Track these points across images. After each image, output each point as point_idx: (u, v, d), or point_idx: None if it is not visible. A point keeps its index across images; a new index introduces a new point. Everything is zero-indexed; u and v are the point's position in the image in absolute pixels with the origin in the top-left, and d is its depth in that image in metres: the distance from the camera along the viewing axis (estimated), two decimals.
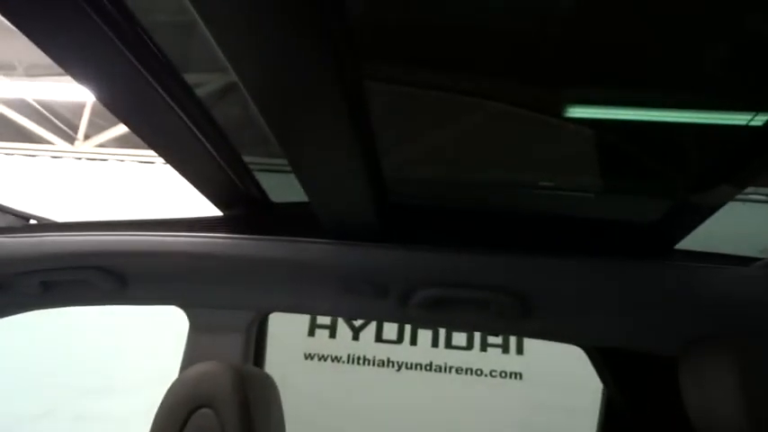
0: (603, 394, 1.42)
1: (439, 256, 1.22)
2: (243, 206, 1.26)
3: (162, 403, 1.05)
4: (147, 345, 3.53)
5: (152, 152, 3.83)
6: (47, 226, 1.33)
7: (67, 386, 3.70)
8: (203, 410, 1.07)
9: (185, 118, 0.92)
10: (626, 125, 1.12)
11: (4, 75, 4.69)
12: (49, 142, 4.80)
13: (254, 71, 0.73)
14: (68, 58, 0.79)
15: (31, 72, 4.82)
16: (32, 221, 1.41)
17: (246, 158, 1.18)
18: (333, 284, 1.31)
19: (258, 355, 1.48)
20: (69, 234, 1.30)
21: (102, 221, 1.31)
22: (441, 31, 0.94)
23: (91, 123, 4.93)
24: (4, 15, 0.69)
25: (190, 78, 0.94)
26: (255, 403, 1.04)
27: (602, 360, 1.33)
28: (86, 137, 4.90)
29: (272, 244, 1.26)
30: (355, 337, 4.06)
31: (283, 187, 1.28)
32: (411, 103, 1.05)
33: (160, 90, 0.84)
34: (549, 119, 1.15)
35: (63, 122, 5.00)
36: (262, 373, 1.18)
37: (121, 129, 4.91)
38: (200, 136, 0.99)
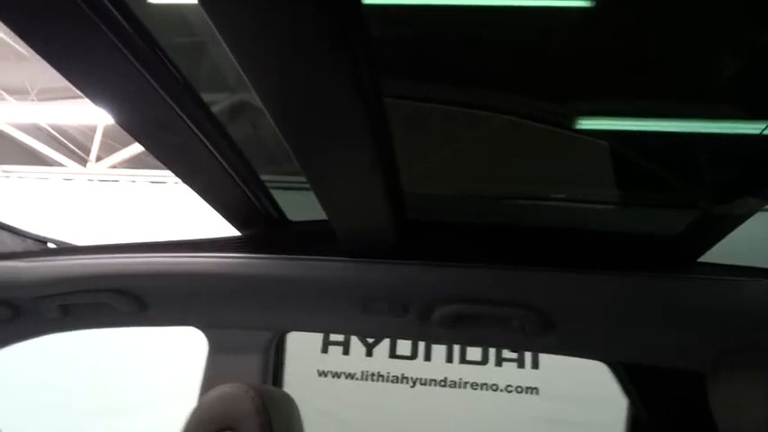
0: (628, 410, 1.40)
1: (458, 272, 1.21)
2: (260, 225, 1.26)
3: (186, 425, 1.04)
4: (152, 364, 3.52)
5: (164, 172, 3.83)
6: (65, 249, 1.34)
7: (73, 406, 3.69)
8: None
9: (202, 137, 0.93)
10: (646, 137, 1.12)
11: (16, 99, 4.75)
12: (61, 164, 4.85)
13: (274, 89, 0.73)
14: (85, 79, 0.80)
15: (43, 96, 4.88)
16: (50, 245, 1.41)
17: (263, 177, 1.18)
18: (351, 303, 1.30)
19: (276, 375, 1.47)
20: (88, 257, 1.30)
21: (121, 244, 1.31)
22: (459, 48, 0.95)
23: (103, 145, 4.98)
24: (22, 37, 0.70)
25: (206, 97, 0.94)
26: (278, 424, 1.03)
27: (626, 376, 1.31)
28: (98, 158, 4.95)
29: (290, 263, 1.25)
30: (369, 354, 4.03)
31: (300, 205, 1.28)
32: (428, 118, 1.05)
33: (176, 109, 0.84)
34: (568, 133, 1.15)
35: (75, 145, 5.05)
36: (283, 393, 1.17)
37: (133, 150, 4.95)
38: (217, 155, 0.99)
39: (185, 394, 3.54)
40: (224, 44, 0.64)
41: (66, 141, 5.09)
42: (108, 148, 4.98)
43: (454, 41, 0.92)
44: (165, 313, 1.39)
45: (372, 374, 3.96)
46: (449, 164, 1.18)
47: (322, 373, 3.94)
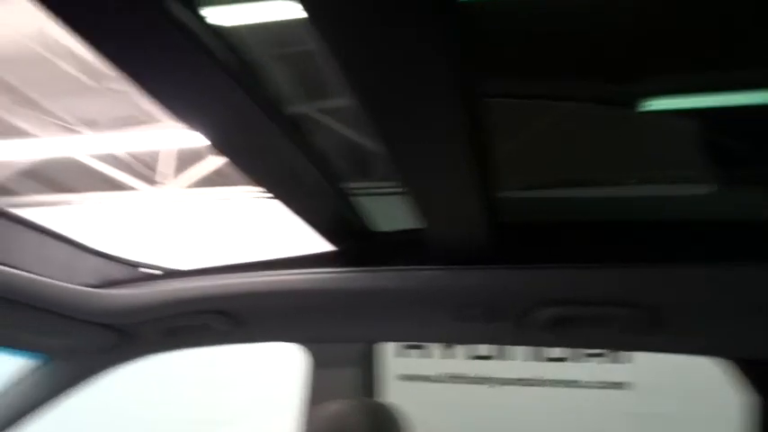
0: (745, 406, 1.32)
1: (555, 273, 1.18)
2: (352, 238, 1.26)
3: None
4: (247, 377, 3.61)
5: (233, 189, 3.93)
6: (165, 275, 1.38)
7: (174, 419, 3.83)
8: None
9: (294, 152, 0.92)
10: (738, 112, 1.05)
11: (88, 129, 5.00)
12: (133, 188, 5.07)
13: (372, 91, 0.72)
14: (180, 104, 0.81)
15: (113, 125, 5.11)
16: (141, 269, 1.46)
17: (352, 187, 1.18)
18: (447, 311, 1.28)
19: (373, 386, 1.47)
20: (187, 280, 1.34)
21: (215, 266, 1.35)
22: (554, 40, 0.92)
23: (171, 166, 5.17)
24: (117, 66, 0.71)
25: (292, 109, 0.95)
26: None
27: (745, 371, 1.24)
28: (168, 179, 5.14)
29: (383, 274, 1.25)
30: (447, 355, 4.00)
31: (389, 215, 1.27)
32: (521, 116, 1.02)
33: (269, 127, 0.85)
34: (662, 121, 1.10)
35: (146, 168, 5.26)
36: (392, 406, 1.17)
37: (201, 170, 5.12)
38: (309, 170, 0.99)
39: (278, 405, 3.62)
40: (324, 49, 0.63)
41: (137, 166, 5.31)
42: (177, 170, 5.17)
43: (551, 33, 0.89)
44: (264, 330, 1.42)
45: (452, 376, 3.92)
46: (540, 162, 1.14)
47: (400, 378, 3.94)
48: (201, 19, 0.71)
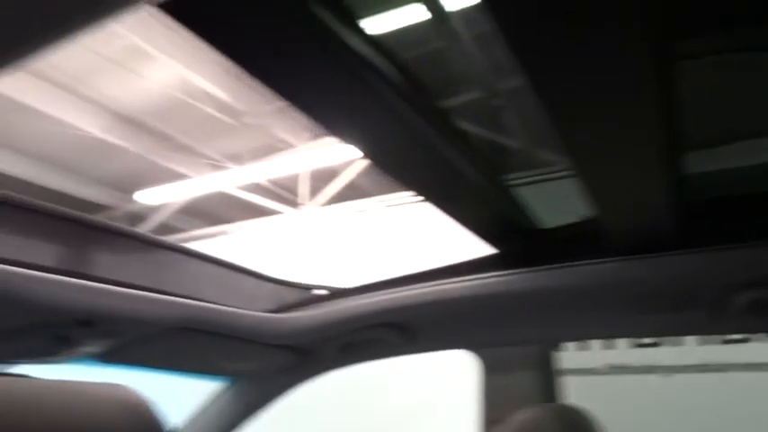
0: None
1: (754, 252, 1.04)
2: (515, 237, 1.22)
3: None
4: (412, 381, 3.66)
5: (368, 201, 4.02)
6: (334, 294, 1.43)
7: (340, 425, 3.98)
8: None
9: (445, 149, 0.89)
10: None
11: (234, 164, 5.42)
12: (278, 212, 5.39)
13: (546, 66, 0.65)
14: (334, 120, 0.81)
15: (254, 155, 5.49)
16: (316, 291, 1.52)
17: (511, 179, 1.13)
18: (626, 304, 1.19)
19: (552, 390, 1.41)
20: (356, 297, 1.37)
21: (383, 281, 1.36)
22: None
23: (308, 186, 5.44)
24: (273, 89, 0.72)
25: (444, 105, 0.91)
26: None
27: None
28: (308, 200, 5.41)
29: (554, 272, 1.19)
30: (607, 346, 3.77)
31: (553, 209, 1.21)
32: (712, 78, 0.91)
33: (419, 125, 0.82)
34: None
35: (288, 192, 5.59)
36: (583, 410, 1.11)
37: (335, 187, 5.32)
38: (463, 165, 0.95)
39: (443, 408, 3.62)
40: (495, 32, 0.59)
41: (278, 190, 5.66)
42: (313, 189, 5.42)
43: None
44: (434, 339, 1.41)
45: (618, 367, 3.69)
46: (730, 129, 1.02)
47: (560, 372, 3.79)
48: (358, 29, 0.70)
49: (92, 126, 5.07)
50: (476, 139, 1.00)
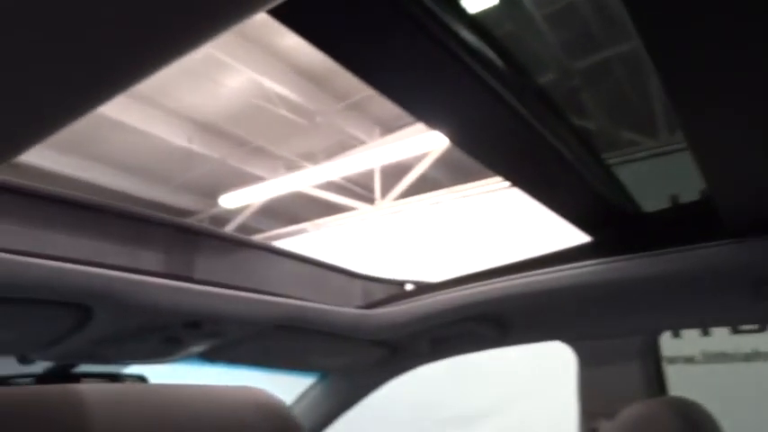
0: None
1: None
2: (614, 223, 1.16)
3: None
4: (496, 372, 3.61)
5: (442, 192, 3.96)
6: (425, 288, 1.42)
7: (428, 417, 3.99)
8: None
9: (538, 131, 0.83)
10: None
11: (309, 163, 5.53)
12: (353, 208, 5.46)
13: (671, 48, 0.60)
14: (424, 107, 0.78)
15: (328, 154, 5.58)
16: (407, 286, 1.52)
17: (611, 162, 1.07)
18: (739, 290, 1.11)
19: (660, 381, 1.34)
20: (445, 291, 1.36)
21: (474, 273, 1.34)
22: None
23: (381, 181, 5.47)
24: (355, 69, 0.69)
25: (536, 84, 0.86)
26: None
27: None
28: (382, 195, 5.44)
29: (657, 259, 1.13)
30: (705, 333, 3.56)
31: (653, 190, 1.15)
32: None
33: (511, 105, 0.77)
34: None
35: (362, 188, 5.65)
36: (697, 403, 1.04)
37: (408, 180, 5.32)
38: (558, 147, 0.89)
39: (529, 400, 3.55)
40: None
41: (352, 187, 5.73)
42: (387, 184, 5.45)
43: None
44: (528, 332, 1.38)
45: (719, 355, 3.48)
46: None
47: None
48: (447, 5, 0.67)
49: (175, 136, 5.32)
50: (571, 118, 0.94)
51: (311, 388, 1.74)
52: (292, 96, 4.81)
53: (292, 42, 4.33)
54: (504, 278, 1.27)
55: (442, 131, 0.85)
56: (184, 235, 1.14)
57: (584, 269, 1.18)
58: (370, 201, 5.49)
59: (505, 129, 0.82)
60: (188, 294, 1.00)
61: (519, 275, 1.25)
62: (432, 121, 0.82)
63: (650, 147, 3.63)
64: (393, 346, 1.51)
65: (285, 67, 4.60)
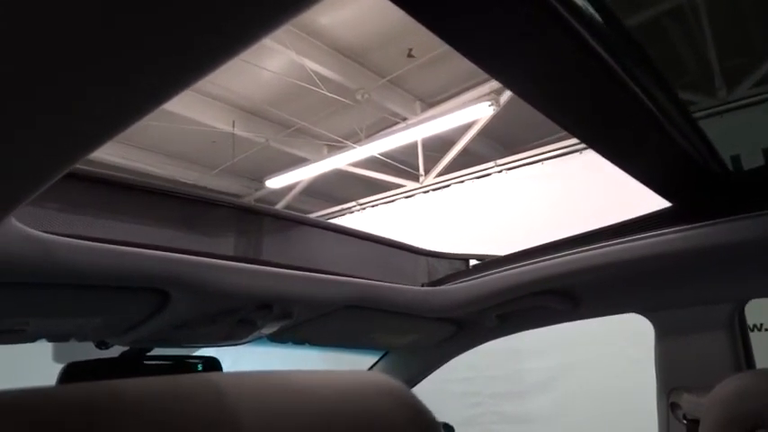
0: None
1: None
2: (696, 186, 1.09)
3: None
4: (538, 347, 3.57)
5: (485, 166, 3.88)
6: (491, 263, 1.38)
7: (478, 393, 3.99)
8: None
9: (616, 82, 0.73)
10: None
11: (352, 141, 5.50)
12: (399, 186, 5.41)
13: None
14: (499, 64, 0.72)
15: (369, 132, 5.54)
16: (471, 261, 1.49)
17: (698, 116, 0.97)
18: None
19: (747, 353, 1.27)
20: (515, 266, 1.31)
21: (540, 246, 1.30)
22: None
23: (426, 159, 5.41)
24: (449, 41, 0.64)
25: (616, 27, 0.78)
26: None
27: None
28: (426, 171, 5.38)
29: (743, 223, 1.05)
30: None
31: (744, 144, 1.07)
32: None
33: (584, 48, 0.69)
34: None
35: (405, 165, 5.60)
36: None
37: (452, 154, 5.24)
38: (646, 102, 0.80)
39: (577, 374, 3.49)
40: None
41: (396, 164, 5.68)
42: (430, 160, 5.38)
43: None
44: (601, 305, 1.33)
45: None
46: None
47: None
48: None
49: (219, 121, 5.37)
50: (659, 67, 0.84)
51: (379, 366, 1.74)
52: (332, 75, 4.77)
53: (329, 21, 4.28)
54: (575, 250, 1.21)
55: (515, 86, 0.78)
56: (249, 216, 1.14)
57: (666, 237, 1.12)
58: (415, 178, 5.44)
59: (590, 81, 0.75)
60: (261, 277, 1.00)
61: (590, 246, 1.20)
62: (506, 73, 0.75)
63: (709, 106, 3.47)
64: (460, 323, 1.49)
65: (323, 46, 4.56)
